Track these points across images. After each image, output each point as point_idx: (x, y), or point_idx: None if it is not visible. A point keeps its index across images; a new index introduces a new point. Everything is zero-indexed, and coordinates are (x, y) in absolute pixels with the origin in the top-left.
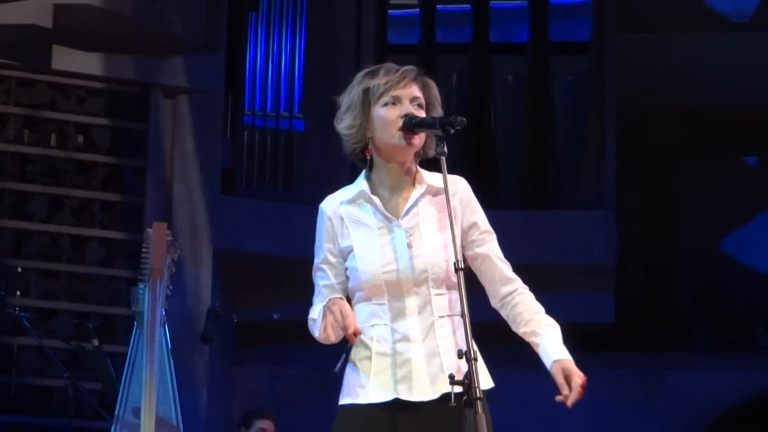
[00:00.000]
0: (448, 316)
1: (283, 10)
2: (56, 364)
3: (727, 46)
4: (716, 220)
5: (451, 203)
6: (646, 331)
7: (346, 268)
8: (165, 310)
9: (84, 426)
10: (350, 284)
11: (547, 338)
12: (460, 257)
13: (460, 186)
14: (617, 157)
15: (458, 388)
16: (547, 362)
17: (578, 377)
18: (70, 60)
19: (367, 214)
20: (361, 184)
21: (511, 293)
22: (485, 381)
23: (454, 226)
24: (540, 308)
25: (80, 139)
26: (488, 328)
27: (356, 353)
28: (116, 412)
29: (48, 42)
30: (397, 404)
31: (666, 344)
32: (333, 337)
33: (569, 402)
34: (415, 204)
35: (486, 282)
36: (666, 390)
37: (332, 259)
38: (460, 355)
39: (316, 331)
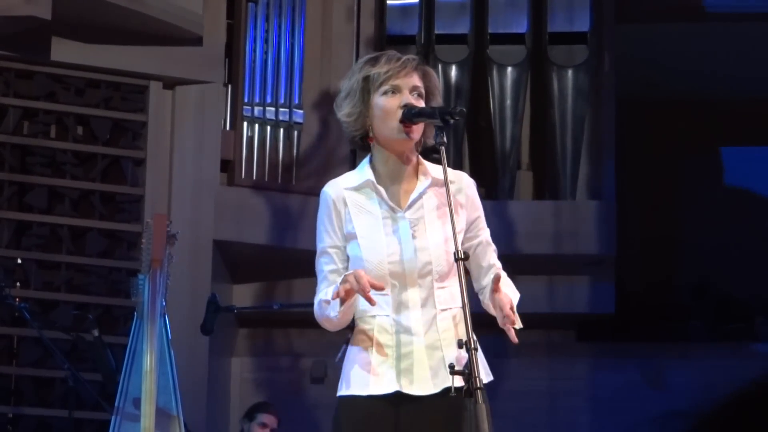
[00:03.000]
0: (450, 309)
1: (282, 1)
2: (56, 355)
3: (728, 37)
4: (716, 210)
5: (456, 197)
6: (645, 321)
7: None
8: (165, 300)
9: (84, 417)
10: None
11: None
12: (460, 247)
13: (465, 182)
14: (617, 148)
15: (459, 380)
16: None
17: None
18: (69, 51)
19: (371, 203)
20: (366, 172)
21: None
22: (485, 374)
23: (455, 216)
24: (511, 283)
25: (79, 130)
26: (491, 319)
27: (356, 343)
28: (116, 403)
29: (47, 33)
30: (398, 396)
31: (666, 334)
32: (347, 313)
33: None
34: (420, 196)
35: (475, 265)
36: (665, 380)
37: (338, 243)
38: (459, 345)
39: (332, 312)
